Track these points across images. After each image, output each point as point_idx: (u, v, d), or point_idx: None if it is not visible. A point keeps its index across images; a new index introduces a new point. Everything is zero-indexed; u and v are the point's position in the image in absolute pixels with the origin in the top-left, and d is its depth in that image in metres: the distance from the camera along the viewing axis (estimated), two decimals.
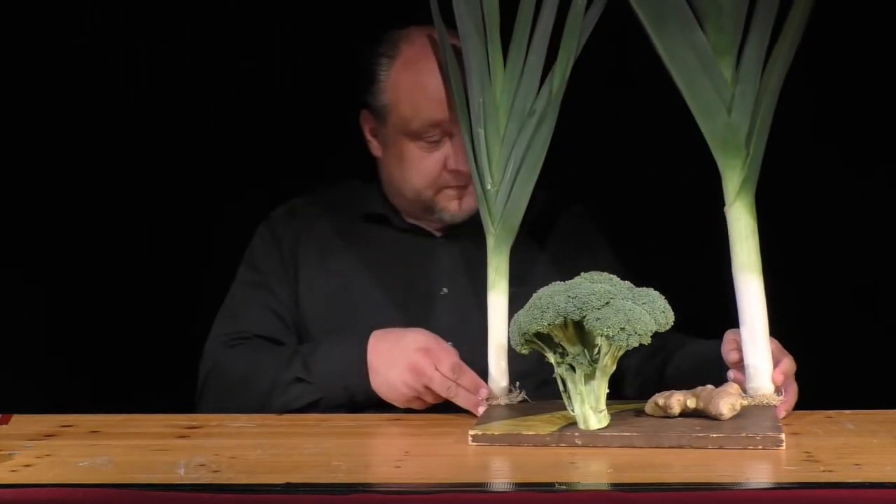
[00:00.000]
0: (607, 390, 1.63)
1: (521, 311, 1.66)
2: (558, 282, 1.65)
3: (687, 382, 1.71)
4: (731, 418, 1.64)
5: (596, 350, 1.61)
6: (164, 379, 2.06)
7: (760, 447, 1.56)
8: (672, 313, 1.63)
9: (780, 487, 1.44)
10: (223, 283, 2.10)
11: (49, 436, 1.72)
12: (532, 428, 1.64)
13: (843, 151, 2.38)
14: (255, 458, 1.58)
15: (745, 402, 1.67)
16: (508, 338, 1.73)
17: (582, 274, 1.67)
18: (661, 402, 1.67)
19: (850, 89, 2.35)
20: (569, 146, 1.88)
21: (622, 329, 1.57)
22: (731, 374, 1.76)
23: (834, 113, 2.36)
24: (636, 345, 1.59)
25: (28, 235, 2.49)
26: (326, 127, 2.26)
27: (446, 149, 1.98)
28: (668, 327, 1.62)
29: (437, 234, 2.07)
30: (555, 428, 1.64)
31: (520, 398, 1.81)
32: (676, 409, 1.66)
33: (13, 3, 2.37)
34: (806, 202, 2.34)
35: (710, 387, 1.69)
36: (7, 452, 1.62)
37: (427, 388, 1.83)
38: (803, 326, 1.76)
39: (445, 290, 2.04)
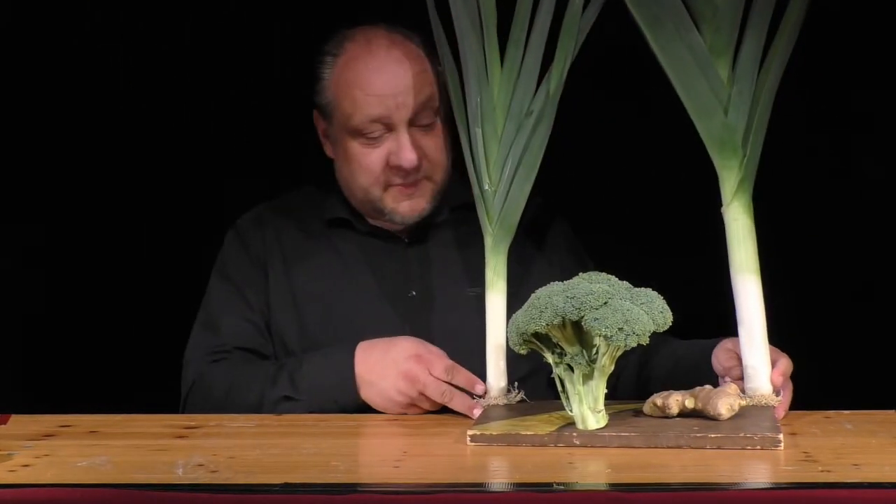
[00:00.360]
0: (605, 390, 1.63)
1: (520, 311, 1.66)
2: (557, 282, 1.65)
3: (664, 385, 1.72)
4: (730, 419, 1.64)
5: (594, 350, 1.61)
6: (163, 379, 2.05)
7: (759, 447, 1.57)
8: (670, 313, 1.63)
9: (778, 487, 1.44)
10: None
11: (48, 436, 1.72)
12: (530, 428, 1.64)
13: (839, 151, 2.38)
14: (254, 459, 1.58)
15: (743, 403, 1.68)
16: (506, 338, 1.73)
17: (580, 274, 1.67)
18: (659, 402, 1.67)
19: (846, 88, 2.35)
20: (566, 146, 1.88)
21: (620, 329, 1.57)
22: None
23: (830, 112, 2.36)
24: (634, 345, 1.59)
25: (28, 235, 2.49)
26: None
27: (388, 145, 1.97)
28: (666, 327, 1.62)
29: (403, 236, 2.07)
30: (553, 428, 1.64)
31: (518, 398, 1.81)
32: (675, 410, 1.66)
33: (13, 2, 2.37)
34: (803, 202, 2.34)
35: (708, 387, 1.69)
36: (6, 452, 1.62)
37: (422, 394, 1.83)
38: (802, 327, 1.77)
39: (414, 293, 2.04)
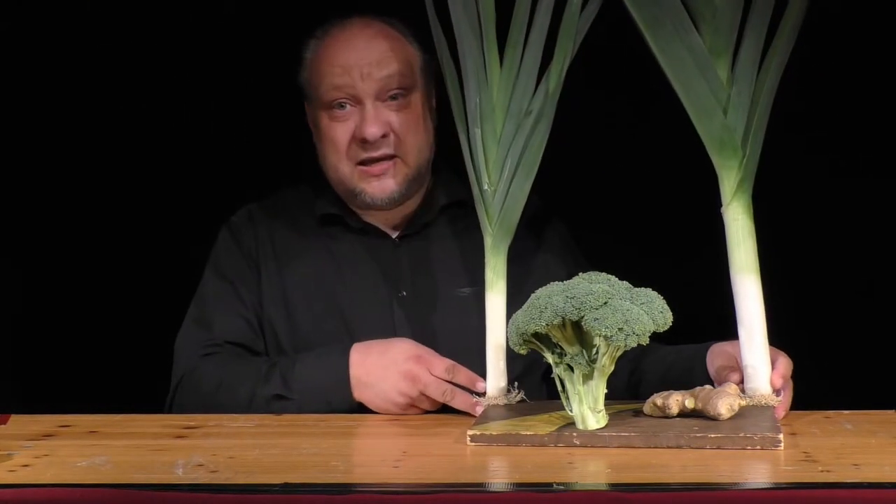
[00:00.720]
0: (605, 391, 1.63)
1: (520, 311, 1.66)
2: (556, 282, 1.65)
3: (654, 390, 1.72)
4: (730, 419, 1.64)
5: (594, 350, 1.61)
6: (163, 379, 2.05)
7: (759, 447, 1.56)
8: (670, 313, 1.63)
9: (778, 488, 1.44)
10: None
11: (47, 436, 1.72)
12: (530, 428, 1.64)
13: (839, 152, 2.38)
14: (254, 458, 1.58)
15: (743, 403, 1.67)
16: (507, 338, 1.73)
17: (580, 274, 1.67)
18: (659, 402, 1.67)
19: (846, 89, 2.35)
20: (564, 146, 1.88)
21: (620, 329, 1.57)
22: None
23: (830, 113, 2.36)
24: (634, 345, 1.59)
25: (27, 237, 2.49)
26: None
27: (356, 117, 2.00)
28: (666, 327, 1.62)
29: (394, 235, 2.08)
30: (553, 428, 1.64)
31: (518, 398, 1.81)
32: (675, 410, 1.66)
33: (12, 2, 2.37)
34: (803, 202, 2.34)
35: (708, 387, 1.69)
36: (6, 452, 1.62)
37: (422, 394, 1.83)
38: (801, 327, 1.77)
39: (404, 292, 2.04)
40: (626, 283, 1.65)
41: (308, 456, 1.60)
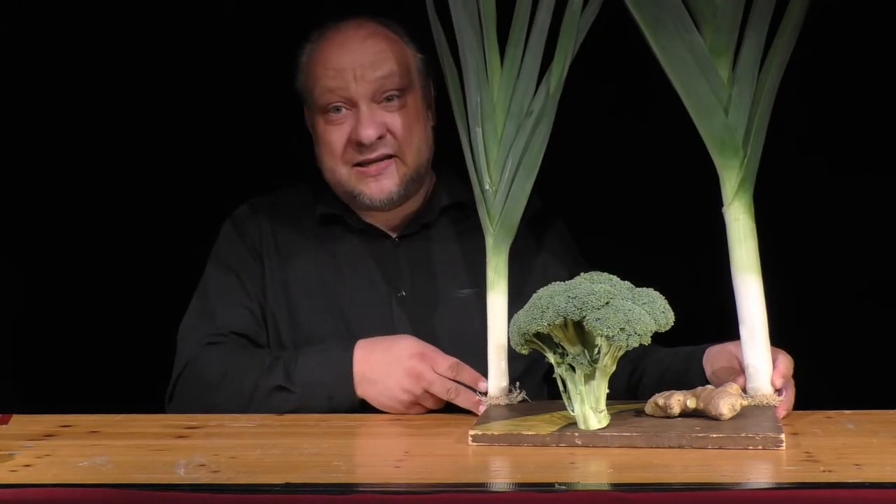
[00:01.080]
0: (607, 391, 1.63)
1: (522, 311, 1.66)
2: (558, 282, 1.65)
3: (651, 393, 1.72)
4: (731, 418, 1.64)
5: (596, 350, 1.61)
6: (164, 379, 2.04)
7: (760, 447, 1.56)
8: (672, 313, 1.63)
9: (779, 487, 1.44)
10: None
11: (48, 436, 1.72)
12: (532, 428, 1.64)
13: (841, 151, 2.38)
14: (255, 459, 1.58)
15: (745, 403, 1.67)
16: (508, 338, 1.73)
17: (582, 274, 1.67)
18: (661, 402, 1.67)
19: (847, 89, 2.35)
20: (565, 146, 1.88)
21: (622, 329, 1.57)
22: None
23: (831, 113, 2.36)
24: (636, 345, 1.59)
25: (27, 236, 2.49)
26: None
27: (351, 120, 2.00)
28: (668, 327, 1.62)
29: (394, 235, 2.08)
30: (555, 428, 1.64)
31: (520, 398, 1.81)
32: (676, 410, 1.66)
33: (12, 2, 2.37)
34: (802, 202, 2.34)
35: (710, 387, 1.69)
36: (7, 452, 1.62)
37: (426, 392, 1.83)
38: (802, 326, 1.77)
39: (403, 293, 2.04)
40: (627, 283, 1.65)
41: (309, 456, 1.60)
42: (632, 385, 1.96)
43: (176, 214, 2.49)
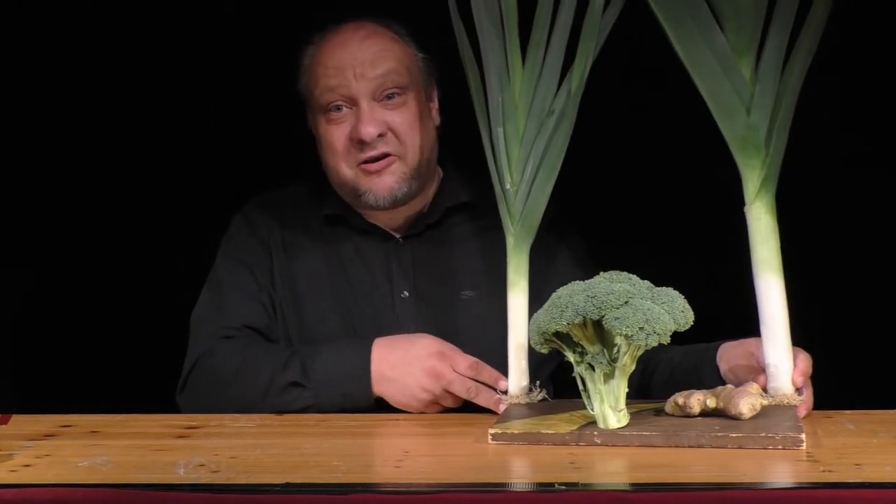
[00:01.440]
0: (626, 390, 1.63)
1: (541, 311, 1.66)
2: (578, 281, 1.65)
3: (663, 390, 1.72)
4: (752, 418, 1.64)
5: (615, 349, 1.61)
6: (164, 379, 2.05)
7: (780, 447, 1.56)
8: (691, 312, 1.63)
9: (779, 488, 1.44)
10: None
11: (49, 436, 1.73)
12: (552, 427, 1.64)
13: (862, 150, 2.37)
14: (255, 459, 1.58)
15: (765, 402, 1.67)
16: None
17: (601, 273, 1.67)
18: (680, 401, 1.67)
19: (870, 89, 2.33)
20: (588, 145, 1.88)
21: (641, 328, 1.57)
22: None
23: (853, 111, 2.34)
24: (655, 344, 1.59)
25: (28, 237, 2.50)
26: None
27: (352, 119, 2.00)
28: (687, 327, 1.62)
29: (397, 235, 2.08)
30: (574, 427, 1.64)
31: (540, 397, 1.81)
32: (696, 409, 1.66)
33: (12, 2, 2.38)
34: (800, 201, 2.32)
35: (730, 386, 1.69)
36: (7, 452, 1.62)
37: (446, 391, 1.84)
38: (802, 326, 1.75)
39: (406, 293, 2.04)
40: (647, 283, 1.65)
41: (310, 456, 1.60)
42: (643, 383, 1.96)
43: (177, 215, 2.50)
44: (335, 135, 2.01)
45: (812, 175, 2.21)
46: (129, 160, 2.52)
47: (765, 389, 1.72)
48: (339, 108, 2.00)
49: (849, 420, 1.72)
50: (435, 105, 2.09)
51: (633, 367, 1.63)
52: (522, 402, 1.81)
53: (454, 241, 2.09)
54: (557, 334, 1.64)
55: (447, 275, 2.06)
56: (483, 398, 1.83)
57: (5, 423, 1.81)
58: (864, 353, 2.35)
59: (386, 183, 2.01)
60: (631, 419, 1.64)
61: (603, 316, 1.59)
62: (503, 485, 1.47)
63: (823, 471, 1.47)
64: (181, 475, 1.50)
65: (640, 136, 2.39)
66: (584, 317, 1.60)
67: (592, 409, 1.64)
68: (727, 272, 1.88)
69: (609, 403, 1.63)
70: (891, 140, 2.35)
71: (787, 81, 1.74)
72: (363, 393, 1.87)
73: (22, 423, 1.81)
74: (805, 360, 1.75)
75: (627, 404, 1.64)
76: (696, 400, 1.66)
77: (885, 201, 2.36)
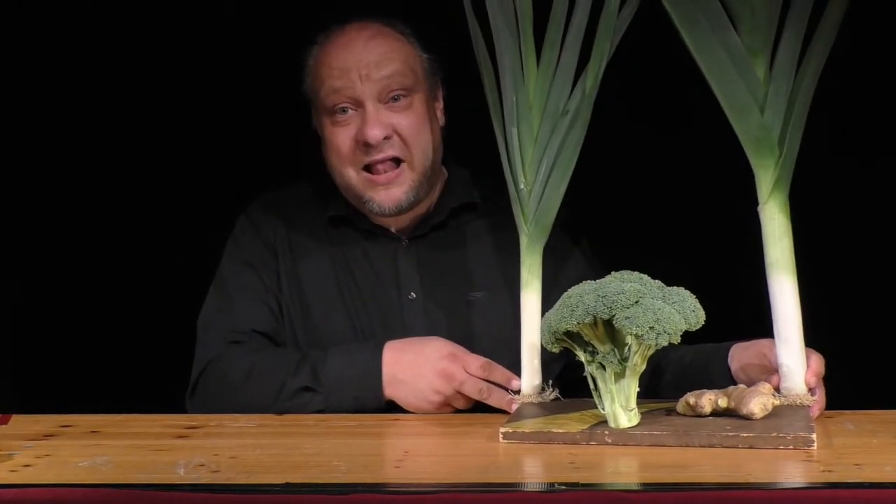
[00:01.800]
0: (637, 389, 1.64)
1: (552, 310, 1.66)
2: (589, 280, 1.66)
3: (673, 389, 1.72)
4: (763, 418, 1.64)
5: (626, 349, 1.61)
6: (164, 379, 2.07)
7: (791, 447, 1.56)
8: (702, 312, 1.63)
9: (779, 488, 1.44)
10: None
11: (48, 436, 1.73)
12: (563, 426, 1.65)
13: (874, 151, 2.36)
14: (255, 459, 1.58)
15: (777, 402, 1.67)
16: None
17: (612, 273, 1.67)
18: (692, 401, 1.67)
19: (884, 89, 2.32)
20: (602, 145, 1.88)
21: (651, 328, 1.58)
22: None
23: (866, 113, 2.33)
24: (666, 344, 1.59)
25: (28, 237, 2.51)
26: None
27: (357, 121, 1.99)
28: (698, 326, 1.62)
29: (402, 237, 2.08)
30: (585, 426, 1.64)
31: (552, 396, 1.82)
32: (707, 409, 1.66)
33: (12, 3, 2.39)
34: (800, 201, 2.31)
35: (742, 386, 1.69)
36: (7, 452, 1.63)
37: (458, 392, 1.85)
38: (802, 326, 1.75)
39: (413, 294, 2.04)
40: (658, 282, 1.65)
41: (309, 456, 1.61)
42: (653, 382, 1.96)
43: (177, 214, 2.50)
44: (340, 137, 2.01)
45: (825, 175, 2.20)
46: (131, 159, 2.52)
47: (777, 389, 1.72)
48: (344, 110, 2.00)
49: (849, 420, 1.72)
50: (440, 105, 2.09)
51: (644, 367, 1.63)
52: (535, 401, 1.81)
53: (460, 241, 2.09)
54: (568, 333, 1.65)
55: (454, 276, 2.06)
56: (495, 399, 1.83)
57: (5, 423, 1.81)
58: (864, 353, 2.34)
59: (394, 194, 2.01)
60: (642, 419, 1.64)
61: (613, 315, 1.59)
62: (507, 484, 1.47)
63: (823, 471, 1.47)
64: (181, 475, 1.50)
65: (652, 136, 2.39)
66: (594, 316, 1.60)
67: (603, 409, 1.65)
68: (740, 272, 1.88)
69: (620, 403, 1.63)
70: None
71: (800, 81, 1.74)
72: (375, 396, 1.87)
73: (22, 423, 1.81)
74: (818, 360, 1.74)
75: (638, 404, 1.64)
76: (708, 400, 1.66)
77: (868, 198, 2.35)
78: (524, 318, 1.82)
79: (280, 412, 1.88)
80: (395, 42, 2.03)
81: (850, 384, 1.78)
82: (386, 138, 1.99)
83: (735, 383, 1.74)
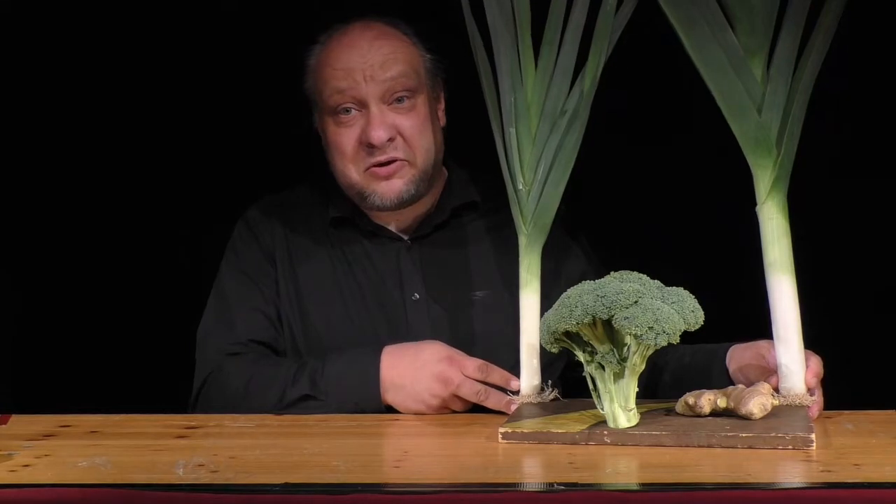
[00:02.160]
0: (636, 389, 1.64)
1: (551, 310, 1.66)
2: (588, 281, 1.66)
3: (672, 390, 1.72)
4: (762, 418, 1.64)
5: (625, 349, 1.62)
6: (164, 379, 2.06)
7: (790, 447, 1.56)
8: (701, 312, 1.63)
9: (778, 488, 1.44)
10: None
11: (48, 436, 1.73)
12: (562, 426, 1.65)
13: (874, 151, 2.36)
14: (254, 459, 1.58)
15: (776, 402, 1.67)
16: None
17: (611, 273, 1.68)
18: (691, 401, 1.67)
19: (880, 91, 2.32)
20: (599, 145, 1.88)
21: (650, 328, 1.58)
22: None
23: (865, 112, 2.34)
24: (665, 344, 1.59)
25: (28, 237, 2.51)
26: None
27: (362, 122, 1.99)
28: (697, 326, 1.62)
29: (405, 238, 2.07)
30: (584, 426, 1.64)
31: (552, 396, 1.82)
32: (707, 409, 1.66)
33: (12, 3, 2.38)
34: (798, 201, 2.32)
35: (741, 386, 1.69)
36: (6, 452, 1.62)
37: (454, 395, 1.85)
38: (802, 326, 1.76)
39: (417, 295, 2.04)
40: (657, 282, 1.66)
41: (309, 456, 1.61)
42: (652, 381, 1.96)
43: (176, 215, 2.50)
44: (344, 137, 2.00)
45: (823, 175, 2.20)
46: (131, 159, 2.52)
47: (776, 390, 1.72)
48: (347, 111, 2.00)
49: (848, 420, 1.72)
50: (441, 106, 2.09)
51: (643, 367, 1.63)
52: (534, 401, 1.81)
53: (462, 240, 2.09)
54: (567, 334, 1.65)
55: (457, 275, 2.06)
56: (493, 401, 1.83)
57: (5, 423, 1.81)
58: (863, 353, 2.34)
59: (394, 186, 2.00)
60: (641, 419, 1.65)
61: (612, 315, 1.59)
62: (506, 484, 1.47)
63: (822, 471, 1.47)
64: (180, 475, 1.50)
65: (650, 137, 2.39)
66: (593, 316, 1.60)
67: (602, 409, 1.65)
68: (738, 272, 1.88)
69: (619, 403, 1.63)
70: None
71: (798, 81, 1.74)
72: (374, 402, 1.87)
73: (21, 423, 1.81)
74: (817, 362, 1.75)
75: (637, 404, 1.64)
76: (707, 400, 1.66)
77: (870, 201, 2.35)
78: (523, 317, 1.82)
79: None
80: (399, 43, 2.02)
81: (849, 384, 1.78)
82: (390, 140, 1.98)
83: (733, 384, 1.74)
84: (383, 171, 2.00)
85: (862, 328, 2.36)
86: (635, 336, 1.58)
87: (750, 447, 1.57)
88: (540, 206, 1.83)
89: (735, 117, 1.75)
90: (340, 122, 2.00)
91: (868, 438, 1.63)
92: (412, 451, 1.67)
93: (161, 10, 2.44)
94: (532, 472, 1.56)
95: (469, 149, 2.01)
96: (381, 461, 1.63)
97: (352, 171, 2.01)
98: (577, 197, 1.89)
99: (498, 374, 1.85)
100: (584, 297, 1.62)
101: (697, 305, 1.63)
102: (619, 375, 1.63)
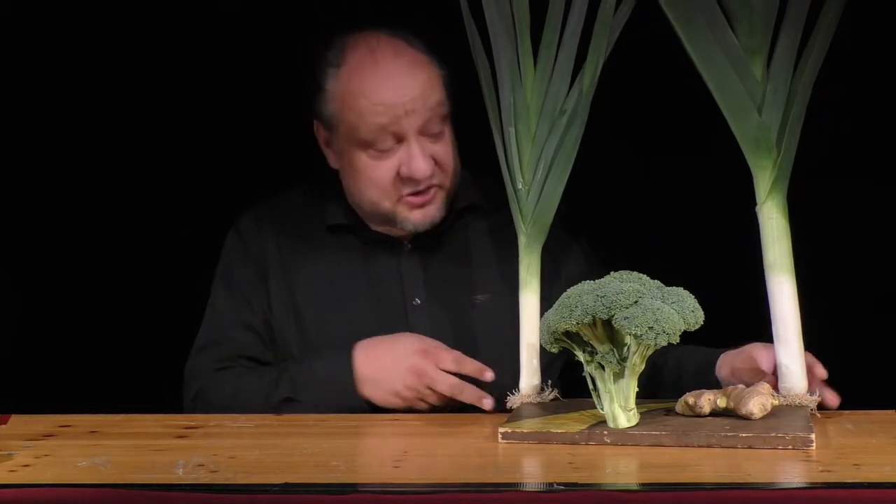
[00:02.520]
0: (636, 389, 1.64)
1: (551, 310, 1.66)
2: (588, 281, 1.66)
3: (668, 389, 1.72)
4: (762, 418, 1.64)
5: (625, 349, 1.62)
6: (163, 379, 2.06)
7: (790, 447, 1.56)
8: (701, 312, 1.63)
9: (778, 487, 1.44)
10: None
11: (48, 436, 1.73)
12: (562, 426, 1.65)
13: (875, 151, 2.36)
14: (254, 459, 1.59)
15: (776, 402, 1.67)
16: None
17: (611, 273, 1.68)
18: (691, 401, 1.67)
19: (881, 92, 2.32)
20: (598, 145, 1.88)
21: (650, 328, 1.58)
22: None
23: (867, 113, 2.34)
24: (665, 343, 1.59)
25: (28, 237, 2.50)
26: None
27: (399, 155, 1.93)
28: (697, 326, 1.62)
29: (405, 243, 2.04)
30: (584, 426, 1.64)
31: (551, 396, 1.82)
32: (706, 409, 1.66)
33: (12, 3, 2.37)
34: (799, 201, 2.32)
35: (741, 386, 1.69)
36: (6, 452, 1.62)
37: (429, 388, 1.85)
38: (802, 326, 1.76)
39: (418, 300, 2.02)
40: (657, 282, 1.66)
41: (309, 456, 1.61)
42: (651, 381, 1.95)
43: (175, 216, 2.49)
44: (379, 171, 1.94)
45: (823, 175, 2.20)
46: (130, 159, 2.51)
47: (776, 389, 1.72)
48: (383, 142, 1.93)
49: (848, 420, 1.72)
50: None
51: (643, 367, 1.63)
52: (534, 401, 1.81)
53: (463, 243, 2.06)
54: (567, 333, 1.65)
55: (459, 279, 2.04)
56: (467, 396, 1.83)
57: (5, 423, 1.81)
58: (863, 353, 2.34)
59: (429, 213, 1.97)
60: (641, 419, 1.65)
61: (612, 315, 1.59)
62: (506, 484, 1.47)
63: (822, 471, 1.47)
64: (180, 475, 1.50)
65: (649, 137, 2.39)
66: (593, 316, 1.60)
67: (602, 409, 1.65)
68: (738, 272, 1.88)
69: (619, 403, 1.63)
70: None
71: (798, 81, 1.74)
72: (352, 397, 1.88)
73: (21, 422, 1.81)
74: (820, 368, 1.76)
75: (637, 404, 1.64)
76: (707, 400, 1.66)
77: (872, 203, 2.35)
78: (523, 317, 1.82)
79: None
80: (428, 69, 1.95)
81: (849, 384, 1.78)
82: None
83: None
84: (419, 199, 1.96)
85: (862, 328, 2.36)
86: (635, 336, 1.58)
87: (750, 447, 1.57)
88: (539, 205, 1.83)
89: (735, 117, 1.75)
90: (376, 155, 1.94)
91: (868, 438, 1.63)
92: (412, 451, 1.67)
93: (161, 11, 2.43)
94: (532, 472, 1.56)
95: (469, 149, 2.00)
96: (381, 461, 1.63)
97: (384, 200, 1.96)
98: (577, 197, 1.89)
99: (471, 365, 1.85)
100: (583, 297, 1.62)
101: (697, 305, 1.63)
102: (618, 375, 1.63)
